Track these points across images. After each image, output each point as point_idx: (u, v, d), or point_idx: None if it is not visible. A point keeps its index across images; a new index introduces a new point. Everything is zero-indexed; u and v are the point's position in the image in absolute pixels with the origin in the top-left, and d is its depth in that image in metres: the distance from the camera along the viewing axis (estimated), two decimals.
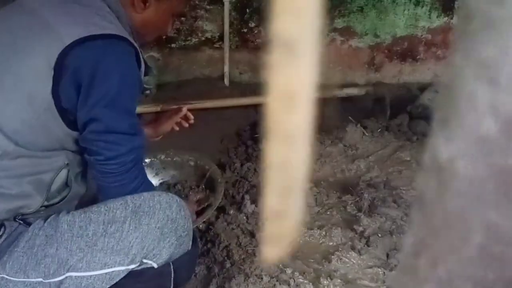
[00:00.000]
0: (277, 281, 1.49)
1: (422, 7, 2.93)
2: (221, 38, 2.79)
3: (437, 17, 2.98)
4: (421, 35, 3.04)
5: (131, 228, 1.07)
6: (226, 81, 2.88)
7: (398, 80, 3.14)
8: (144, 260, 1.10)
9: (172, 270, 1.18)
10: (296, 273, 1.54)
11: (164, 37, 2.59)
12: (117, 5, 1.15)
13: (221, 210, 1.86)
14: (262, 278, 1.50)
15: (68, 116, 1.05)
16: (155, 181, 2.06)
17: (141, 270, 1.11)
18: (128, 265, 1.08)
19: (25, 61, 1.00)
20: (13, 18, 1.09)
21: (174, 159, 1.98)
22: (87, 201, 1.24)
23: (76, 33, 1.00)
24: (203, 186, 1.87)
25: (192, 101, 2.52)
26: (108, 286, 1.07)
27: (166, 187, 2.00)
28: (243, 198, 1.92)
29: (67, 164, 1.11)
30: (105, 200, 1.12)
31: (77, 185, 1.16)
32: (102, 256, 1.05)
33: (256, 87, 2.89)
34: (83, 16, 1.05)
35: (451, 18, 3.00)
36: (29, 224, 1.06)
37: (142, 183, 1.15)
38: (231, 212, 1.85)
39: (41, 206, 1.09)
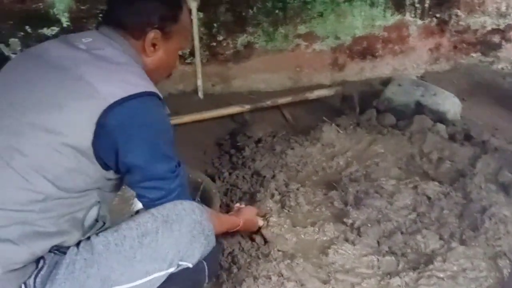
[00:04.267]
0: (284, 279, 1.60)
1: (377, 7, 3.12)
2: (191, 53, 2.87)
3: (391, 15, 3.19)
4: (378, 34, 3.23)
5: (164, 236, 1.18)
6: (200, 94, 2.97)
7: (360, 77, 3.33)
8: (180, 262, 1.21)
9: (205, 265, 1.31)
10: (300, 269, 1.66)
11: None
12: (138, 56, 1.25)
13: None
14: (270, 278, 1.60)
15: (103, 161, 1.14)
16: None
17: (178, 272, 1.22)
18: (167, 269, 1.18)
19: (69, 117, 1.08)
20: (43, 74, 1.15)
21: None
22: None
23: (117, 93, 1.09)
24: (199, 199, 1.94)
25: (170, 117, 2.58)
26: None
27: None
28: None
29: (99, 202, 1.19)
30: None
31: (108, 218, 1.25)
32: (142, 266, 1.15)
33: (229, 97, 3.00)
34: (118, 74, 1.14)
35: (404, 15, 3.22)
36: (63, 252, 1.12)
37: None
38: None
39: None
